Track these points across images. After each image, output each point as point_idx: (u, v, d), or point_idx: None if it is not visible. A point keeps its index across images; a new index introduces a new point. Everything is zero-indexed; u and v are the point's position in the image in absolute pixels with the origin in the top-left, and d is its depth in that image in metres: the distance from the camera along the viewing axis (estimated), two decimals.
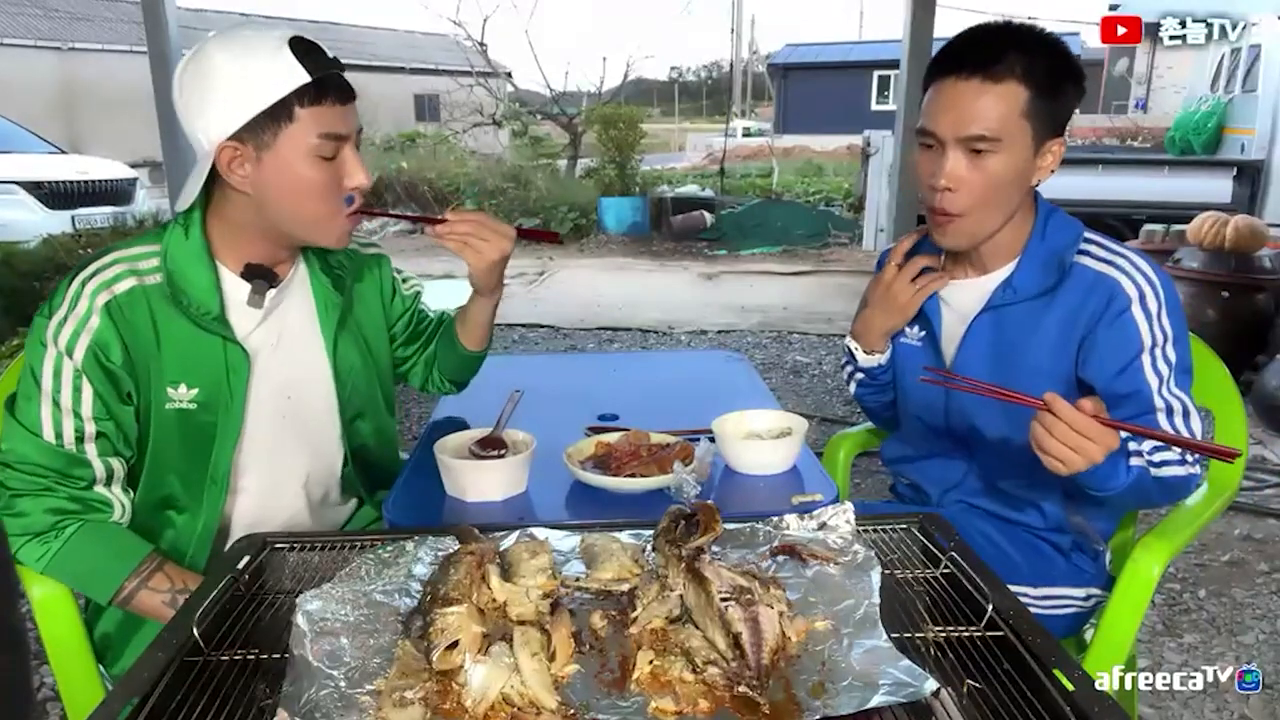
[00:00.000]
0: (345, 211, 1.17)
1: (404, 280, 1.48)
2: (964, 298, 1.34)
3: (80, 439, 1.13)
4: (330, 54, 1.13)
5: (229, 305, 1.19)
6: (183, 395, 1.17)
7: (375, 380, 1.39)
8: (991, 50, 1.16)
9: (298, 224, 1.17)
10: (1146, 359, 1.19)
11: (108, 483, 1.17)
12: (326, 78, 1.10)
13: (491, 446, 1.33)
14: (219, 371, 1.18)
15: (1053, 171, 1.23)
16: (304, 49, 1.10)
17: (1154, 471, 1.15)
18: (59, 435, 1.13)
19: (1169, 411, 1.19)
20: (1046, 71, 1.16)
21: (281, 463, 1.29)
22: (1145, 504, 1.27)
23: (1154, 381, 1.19)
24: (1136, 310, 1.20)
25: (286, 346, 1.27)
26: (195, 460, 1.20)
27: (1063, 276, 1.24)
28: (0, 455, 1.14)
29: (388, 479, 1.49)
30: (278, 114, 1.08)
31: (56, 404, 1.12)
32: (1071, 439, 1.00)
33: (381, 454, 1.44)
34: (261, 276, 1.21)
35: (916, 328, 1.42)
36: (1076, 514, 1.34)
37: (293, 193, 1.13)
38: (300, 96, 1.08)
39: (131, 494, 1.21)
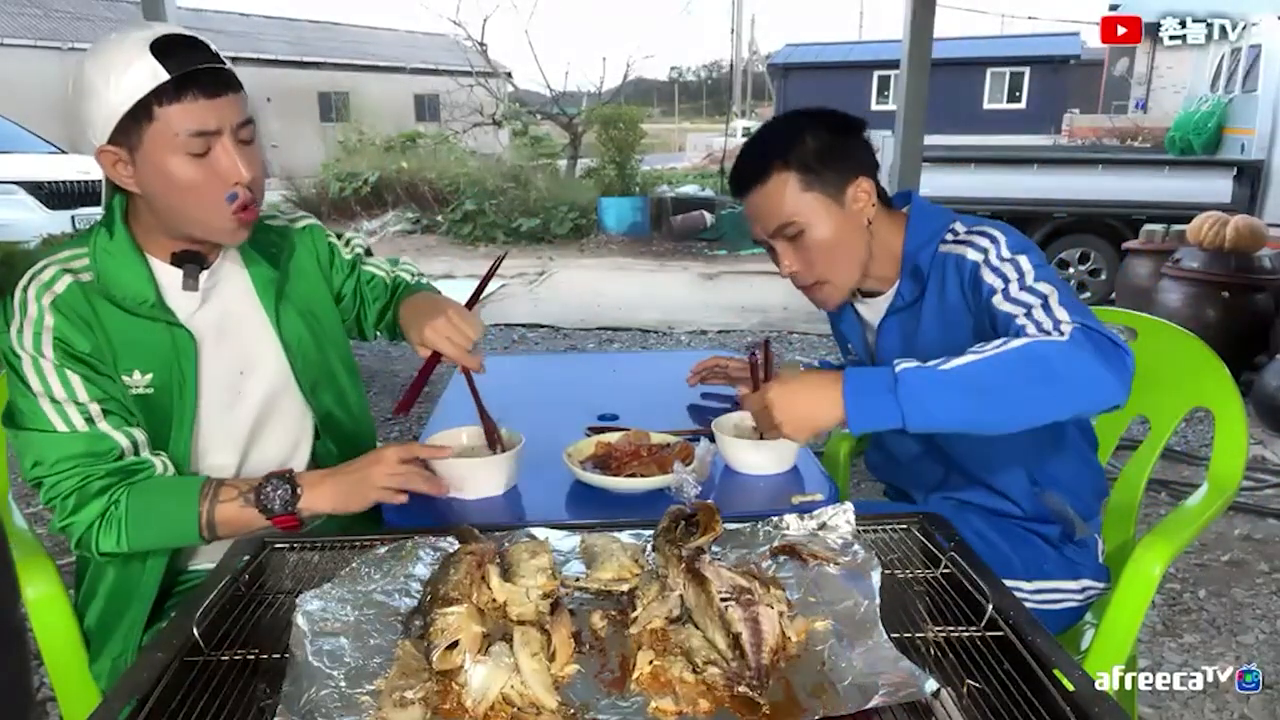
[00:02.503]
0: (229, 208, 1.15)
1: (346, 243, 1.47)
2: (873, 315, 1.41)
3: (90, 419, 1.14)
4: (214, 49, 1.13)
5: (165, 292, 1.21)
6: (138, 381, 1.19)
7: (329, 348, 1.39)
8: (748, 168, 1.32)
9: (185, 221, 1.17)
10: (987, 274, 1.20)
11: (136, 451, 1.18)
12: (190, 74, 1.08)
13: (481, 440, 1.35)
14: (169, 355, 1.20)
15: (874, 204, 1.31)
16: (167, 48, 1.08)
17: (988, 352, 1.06)
18: (70, 423, 1.13)
19: (1027, 310, 1.13)
20: (806, 151, 1.28)
21: (244, 439, 1.30)
22: (1012, 391, 1.04)
23: (998, 283, 1.18)
24: (984, 268, 1.22)
25: (231, 326, 1.28)
26: (159, 443, 1.21)
27: (929, 272, 1.30)
28: (31, 474, 1.14)
29: None
30: (139, 115, 1.09)
31: (54, 399, 1.13)
32: (762, 420, 1.14)
33: (354, 426, 1.44)
34: (192, 261, 1.22)
35: (851, 347, 1.51)
36: (1046, 492, 1.34)
37: (167, 191, 1.13)
38: (159, 96, 1.08)
39: (165, 455, 1.21)
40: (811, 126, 1.30)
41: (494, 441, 1.36)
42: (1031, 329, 1.10)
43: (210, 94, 1.10)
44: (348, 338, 1.47)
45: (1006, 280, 1.18)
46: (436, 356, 1.30)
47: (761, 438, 1.30)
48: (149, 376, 1.19)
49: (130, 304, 1.18)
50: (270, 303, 1.31)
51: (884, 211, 1.34)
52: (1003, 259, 1.21)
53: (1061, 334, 1.07)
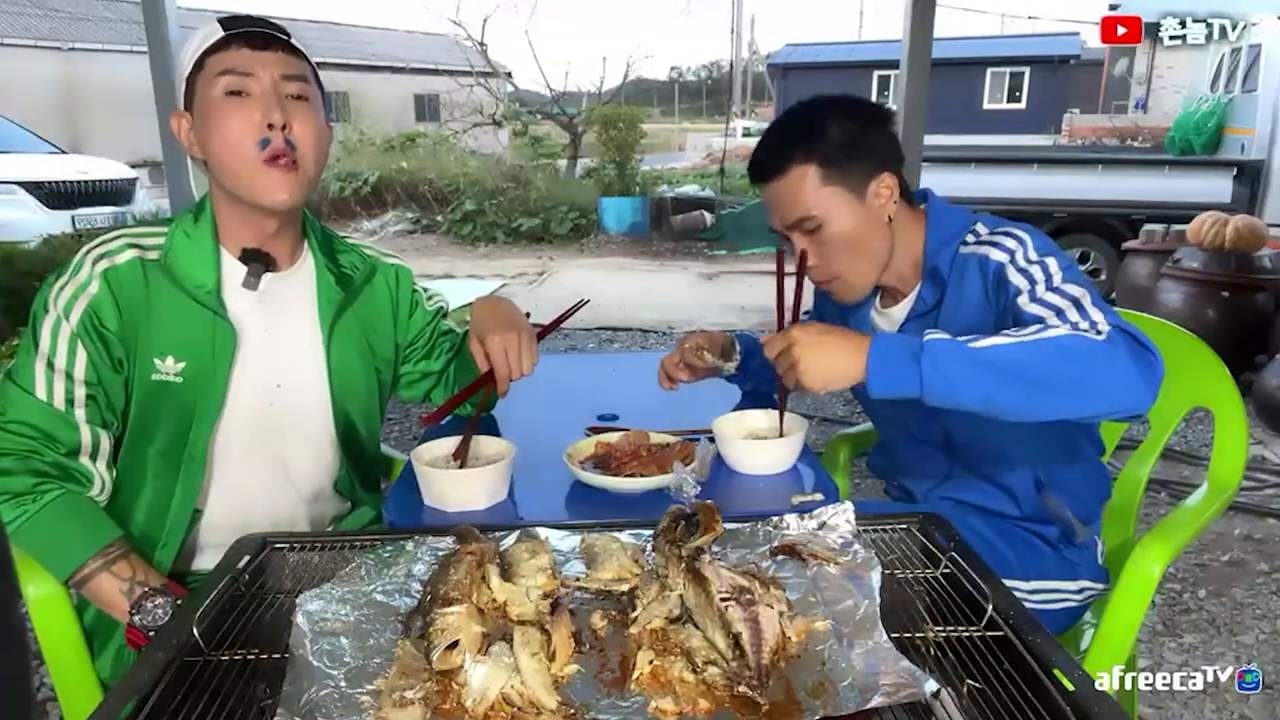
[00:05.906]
0: (260, 155, 1.16)
1: (428, 296, 1.49)
2: (895, 318, 1.38)
3: (70, 401, 1.15)
4: (280, 27, 1.19)
5: (226, 287, 1.23)
6: (169, 367, 1.19)
7: (375, 384, 1.39)
8: (769, 158, 1.28)
9: (228, 175, 1.18)
10: (1013, 274, 1.18)
11: (93, 455, 1.18)
12: (242, 33, 1.16)
13: (460, 454, 1.31)
14: (205, 346, 1.20)
15: (895, 200, 1.28)
16: (234, 20, 1.18)
17: (1024, 337, 1.05)
18: (50, 395, 1.15)
19: (1058, 312, 1.11)
20: (829, 143, 1.25)
21: (267, 451, 1.29)
22: (1041, 380, 1.03)
23: (1024, 284, 1.16)
24: (1009, 269, 1.20)
25: (281, 336, 1.28)
26: (176, 435, 1.21)
27: (949, 274, 1.28)
28: None
29: (375, 481, 1.50)
30: (195, 71, 1.17)
31: (51, 364, 1.15)
32: (782, 361, 1.12)
33: (374, 456, 1.46)
34: (258, 260, 1.24)
35: None
36: (1051, 496, 1.34)
37: (209, 138, 1.17)
38: (211, 50, 1.16)
39: (114, 472, 1.21)
40: (836, 116, 1.26)
41: (463, 457, 1.31)
42: (1066, 328, 1.07)
43: (255, 46, 1.16)
44: (393, 386, 1.48)
45: (1034, 281, 1.16)
46: (486, 377, 1.33)
47: (777, 425, 1.30)
48: (181, 365, 1.19)
49: (188, 284, 1.19)
50: (327, 323, 1.30)
51: (906, 209, 1.31)
52: (1030, 260, 1.18)
53: (1099, 333, 1.05)
